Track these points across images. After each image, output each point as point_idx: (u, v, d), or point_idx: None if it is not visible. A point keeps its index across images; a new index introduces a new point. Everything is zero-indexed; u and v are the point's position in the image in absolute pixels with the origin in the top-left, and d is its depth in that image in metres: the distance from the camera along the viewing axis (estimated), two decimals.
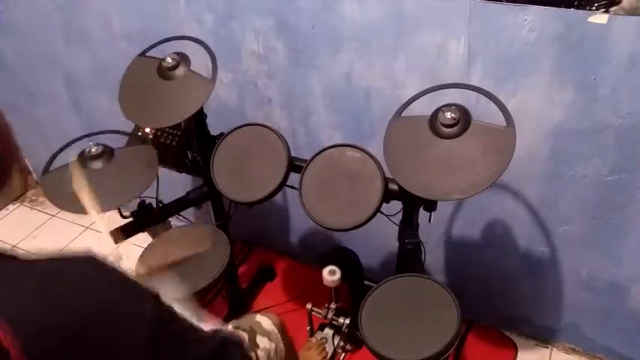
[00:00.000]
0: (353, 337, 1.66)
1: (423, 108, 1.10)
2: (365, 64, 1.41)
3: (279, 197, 1.92)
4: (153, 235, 1.42)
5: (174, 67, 1.27)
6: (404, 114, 1.13)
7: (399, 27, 1.30)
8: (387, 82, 1.40)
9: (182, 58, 1.28)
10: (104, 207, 1.18)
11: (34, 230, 2.38)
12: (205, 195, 1.52)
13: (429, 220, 1.25)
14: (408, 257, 1.30)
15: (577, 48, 1.13)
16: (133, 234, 1.40)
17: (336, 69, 1.46)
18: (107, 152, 1.29)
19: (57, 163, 1.32)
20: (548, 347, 1.73)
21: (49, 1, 1.81)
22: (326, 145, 1.24)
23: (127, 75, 1.33)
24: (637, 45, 1.08)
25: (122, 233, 1.37)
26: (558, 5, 1.09)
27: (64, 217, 2.42)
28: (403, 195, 1.18)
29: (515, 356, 1.70)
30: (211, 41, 1.32)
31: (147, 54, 1.35)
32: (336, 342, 1.66)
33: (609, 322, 1.57)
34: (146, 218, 1.42)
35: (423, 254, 1.30)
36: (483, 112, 1.11)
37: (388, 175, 1.15)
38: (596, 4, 1.06)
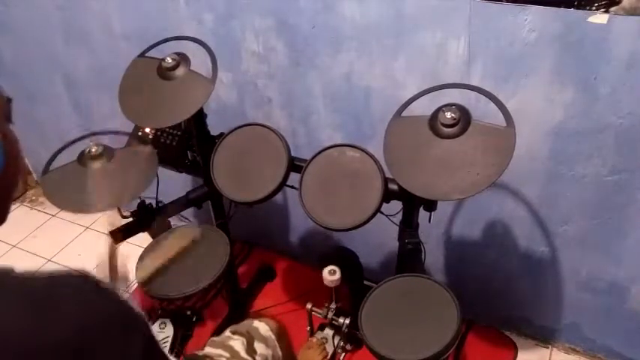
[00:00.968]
0: (353, 337, 1.66)
1: (423, 108, 1.10)
2: (365, 64, 1.41)
3: (279, 197, 1.92)
4: (153, 235, 1.42)
5: (174, 67, 1.26)
6: (404, 114, 1.13)
7: (399, 27, 1.30)
8: (387, 82, 1.40)
9: (182, 58, 1.28)
10: (104, 207, 1.19)
11: (34, 230, 2.38)
12: (205, 195, 1.52)
13: (429, 220, 1.25)
14: (408, 257, 1.30)
15: (577, 48, 1.13)
16: (133, 234, 1.40)
17: (336, 69, 1.46)
18: (107, 152, 1.29)
19: (57, 163, 1.32)
20: (548, 347, 1.73)
21: (49, 1, 1.80)
22: (326, 145, 1.24)
23: (127, 75, 1.33)
24: (637, 45, 1.08)
25: (122, 233, 1.37)
26: (558, 5, 1.09)
27: (64, 217, 2.42)
28: (403, 195, 1.18)
29: (515, 356, 1.70)
30: (211, 41, 1.32)
31: (147, 54, 1.35)
32: (336, 342, 1.66)
33: (609, 322, 1.57)
34: (146, 218, 1.42)
35: (423, 254, 1.30)
36: (483, 112, 1.11)
37: (388, 175, 1.15)
38: (596, 4, 1.06)
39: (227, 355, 1.07)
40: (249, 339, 1.13)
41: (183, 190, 1.54)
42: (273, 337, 1.18)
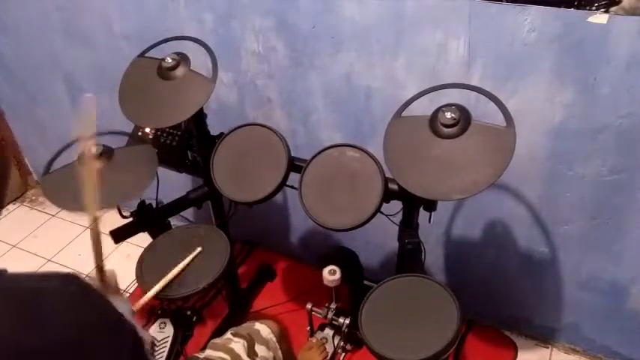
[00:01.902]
0: (353, 337, 1.66)
1: (423, 108, 1.10)
2: (365, 64, 1.41)
3: (279, 197, 1.92)
4: (153, 236, 1.42)
5: (174, 67, 1.27)
6: (404, 114, 1.13)
7: (399, 27, 1.30)
8: (387, 82, 1.40)
9: (182, 58, 1.28)
10: (104, 207, 1.18)
11: (34, 230, 2.38)
12: (205, 195, 1.52)
13: (429, 220, 1.25)
14: (408, 257, 1.30)
15: (577, 48, 1.13)
16: (133, 234, 1.40)
17: (336, 69, 1.46)
18: (107, 152, 1.29)
19: (57, 163, 1.32)
20: (548, 347, 1.73)
21: (49, 1, 1.81)
22: (326, 145, 1.24)
23: (127, 75, 1.33)
24: (637, 45, 1.08)
25: (122, 233, 1.37)
26: (558, 5, 1.09)
27: (64, 217, 2.42)
28: (403, 195, 1.18)
29: (515, 356, 1.70)
30: (211, 41, 1.32)
31: (147, 54, 1.35)
32: (336, 342, 1.66)
33: (609, 322, 1.57)
34: (146, 218, 1.42)
35: (423, 254, 1.30)
36: (483, 112, 1.11)
37: (388, 175, 1.15)
38: (596, 4, 1.06)
39: (228, 357, 1.07)
40: (250, 341, 1.13)
41: (184, 190, 1.54)
42: (274, 339, 1.18)
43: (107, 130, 1.35)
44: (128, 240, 1.39)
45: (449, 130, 1.05)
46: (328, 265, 1.48)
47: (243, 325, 1.22)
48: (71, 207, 1.23)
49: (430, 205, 1.24)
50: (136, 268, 1.28)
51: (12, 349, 0.45)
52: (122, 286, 0.94)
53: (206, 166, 1.35)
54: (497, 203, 1.49)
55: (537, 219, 1.46)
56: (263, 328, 1.19)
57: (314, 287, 1.73)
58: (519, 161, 1.23)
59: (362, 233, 1.25)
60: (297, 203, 1.22)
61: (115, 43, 1.77)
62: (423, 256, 1.30)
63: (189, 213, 1.61)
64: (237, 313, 1.84)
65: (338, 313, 1.59)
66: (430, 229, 1.60)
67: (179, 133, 1.49)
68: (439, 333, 1.02)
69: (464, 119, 1.04)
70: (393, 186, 1.17)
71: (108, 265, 0.88)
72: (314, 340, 1.65)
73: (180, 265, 1.20)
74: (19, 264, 2.16)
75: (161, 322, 1.42)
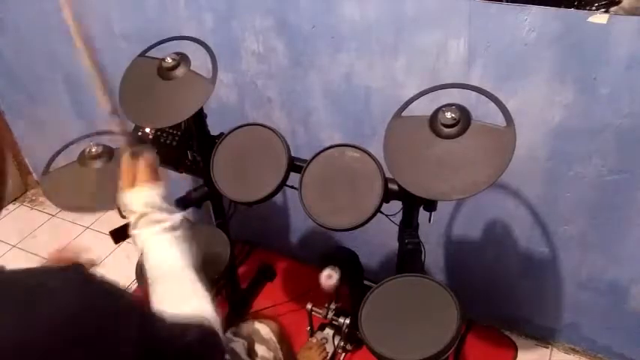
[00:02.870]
0: (353, 337, 1.66)
1: (423, 108, 1.10)
2: (365, 64, 1.41)
3: (279, 197, 1.92)
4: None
5: (174, 67, 1.27)
6: (404, 114, 1.13)
7: (399, 27, 1.30)
8: (387, 82, 1.40)
9: (182, 58, 1.28)
10: (104, 207, 1.18)
11: (34, 230, 2.38)
12: (205, 195, 1.52)
13: (429, 220, 1.25)
14: (408, 257, 1.30)
15: (577, 48, 1.13)
16: None
17: (336, 69, 1.46)
18: (107, 152, 1.29)
19: (57, 163, 1.32)
20: (548, 347, 1.73)
21: (49, 1, 1.80)
22: (326, 145, 1.24)
23: (127, 75, 1.33)
24: (637, 45, 1.08)
25: (122, 233, 1.37)
26: (558, 5, 1.09)
27: (64, 217, 2.42)
28: (403, 195, 1.18)
29: (515, 356, 1.70)
30: (211, 41, 1.32)
31: (147, 54, 1.35)
32: (336, 342, 1.66)
33: (609, 322, 1.57)
34: None
35: (423, 254, 1.30)
36: (483, 112, 1.11)
37: (388, 175, 1.15)
38: (596, 4, 1.06)
39: (228, 358, 1.07)
40: (250, 341, 1.13)
41: (184, 190, 1.54)
42: (274, 339, 1.18)
43: (107, 130, 1.35)
44: (128, 240, 1.39)
45: (449, 130, 1.05)
46: (328, 264, 1.48)
47: (243, 324, 1.22)
48: (71, 207, 1.24)
49: (430, 205, 1.24)
50: (136, 268, 1.28)
51: (10, 347, 0.45)
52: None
53: (206, 166, 1.34)
54: (497, 203, 1.49)
55: (537, 219, 1.46)
56: (263, 328, 1.19)
57: (314, 287, 1.73)
58: (519, 161, 1.23)
59: (362, 233, 1.25)
60: (297, 203, 1.22)
61: (115, 43, 1.77)
62: (423, 256, 1.30)
63: (189, 213, 1.61)
64: (237, 313, 1.84)
65: (338, 313, 1.59)
66: (430, 229, 1.60)
67: (179, 133, 1.49)
68: (439, 333, 1.02)
69: (464, 119, 1.04)
70: (393, 186, 1.17)
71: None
72: (314, 340, 1.65)
73: None
74: (19, 264, 2.16)
75: None
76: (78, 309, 0.50)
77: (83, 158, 1.28)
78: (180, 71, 1.27)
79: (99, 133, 1.36)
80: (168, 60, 1.27)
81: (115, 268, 0.91)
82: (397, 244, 1.34)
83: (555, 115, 1.25)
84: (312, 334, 1.68)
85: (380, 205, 1.16)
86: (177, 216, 0.85)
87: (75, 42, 0.82)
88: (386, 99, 1.43)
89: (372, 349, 1.04)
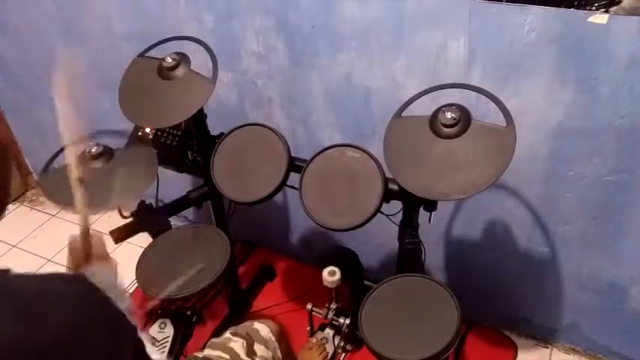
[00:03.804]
0: (353, 337, 1.66)
1: (423, 108, 1.10)
2: (365, 64, 1.41)
3: (279, 197, 1.92)
4: (153, 235, 1.42)
5: (174, 67, 1.27)
6: (404, 114, 1.13)
7: (399, 27, 1.30)
8: (387, 82, 1.40)
9: (182, 58, 1.28)
10: (104, 207, 1.18)
11: (34, 230, 2.38)
12: (205, 195, 1.52)
13: (429, 220, 1.25)
14: (408, 257, 1.30)
15: (577, 48, 1.13)
16: (133, 234, 1.40)
17: (336, 69, 1.46)
18: (107, 152, 1.29)
19: (57, 163, 1.32)
20: (548, 347, 1.73)
21: (49, 1, 1.81)
22: (326, 145, 1.24)
23: (127, 75, 1.33)
24: (637, 45, 1.08)
25: (122, 233, 1.37)
26: (558, 5, 1.09)
27: (64, 217, 2.42)
28: (403, 195, 1.18)
29: (515, 356, 1.70)
30: (211, 41, 1.32)
31: (147, 54, 1.35)
32: (336, 342, 1.66)
33: (609, 322, 1.57)
34: (146, 218, 1.42)
35: (423, 254, 1.30)
36: (483, 112, 1.11)
37: (388, 175, 1.15)
38: (596, 4, 1.06)
39: (227, 357, 1.07)
40: (250, 341, 1.13)
41: (184, 190, 1.54)
42: (273, 338, 1.18)
43: (107, 130, 1.35)
44: (128, 240, 1.39)
45: (449, 130, 1.05)
46: (328, 265, 1.48)
47: (242, 324, 1.22)
48: (71, 207, 1.23)
49: (430, 205, 1.23)
50: (136, 268, 1.28)
51: (10, 350, 0.45)
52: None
53: (206, 166, 1.35)
54: (498, 203, 1.49)
55: (537, 219, 1.46)
56: (262, 328, 1.19)
57: (314, 287, 1.73)
58: (519, 161, 1.23)
59: (362, 233, 1.25)
60: (297, 203, 1.22)
61: (115, 43, 1.77)
62: (423, 256, 1.30)
63: (189, 213, 1.61)
64: (237, 313, 1.84)
65: (338, 313, 1.59)
66: (430, 229, 1.60)
67: (179, 133, 1.49)
68: (439, 333, 1.02)
69: (464, 119, 1.04)
70: (393, 186, 1.17)
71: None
72: (314, 340, 1.65)
73: (180, 281, 1.19)
74: (19, 264, 2.15)
75: (161, 322, 1.42)
76: (80, 320, 0.50)
77: (83, 158, 1.28)
78: (180, 71, 1.27)
79: (99, 133, 1.36)
80: (169, 60, 1.27)
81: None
82: (397, 244, 1.34)
83: (555, 115, 1.25)
84: (312, 334, 1.68)
85: (380, 205, 1.16)
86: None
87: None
88: (386, 99, 1.43)
89: (372, 349, 1.04)
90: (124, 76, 1.33)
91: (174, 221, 1.53)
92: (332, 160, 1.24)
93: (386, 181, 1.17)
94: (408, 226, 1.30)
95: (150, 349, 0.67)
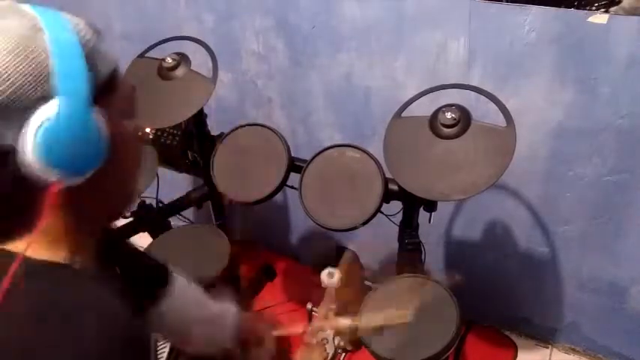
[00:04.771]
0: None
1: (423, 108, 1.10)
2: (365, 64, 1.41)
3: (279, 197, 1.92)
4: (153, 236, 1.42)
5: (174, 67, 1.27)
6: (404, 114, 1.13)
7: (399, 27, 1.30)
8: (387, 82, 1.40)
9: (182, 58, 1.28)
10: None
11: None
12: (205, 195, 1.52)
13: (429, 221, 1.25)
14: (408, 257, 1.30)
15: (577, 48, 1.13)
16: (133, 234, 1.40)
17: (336, 69, 1.46)
18: None
19: None
20: (548, 347, 1.73)
21: (49, 1, 1.80)
22: (326, 145, 1.24)
23: (127, 75, 1.33)
24: (637, 45, 1.08)
25: (122, 233, 1.37)
26: (558, 5, 1.09)
27: None
28: (403, 195, 1.18)
29: (515, 356, 1.70)
30: (211, 41, 1.32)
31: (147, 54, 1.35)
32: (336, 342, 1.66)
33: (609, 322, 1.57)
34: (146, 218, 1.42)
35: (423, 254, 1.30)
36: (483, 112, 1.11)
37: (388, 175, 1.15)
38: (596, 4, 1.06)
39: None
40: None
41: (184, 190, 1.54)
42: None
43: None
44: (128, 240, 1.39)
45: (449, 130, 1.05)
46: (328, 264, 1.48)
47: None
48: None
49: (430, 206, 1.23)
50: None
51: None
52: None
53: (206, 166, 1.35)
54: (498, 203, 1.49)
55: (537, 219, 1.46)
56: None
57: (314, 287, 1.73)
58: (519, 161, 1.23)
59: (362, 233, 1.25)
60: (297, 203, 1.22)
61: (115, 43, 1.77)
62: (423, 256, 1.30)
63: (189, 213, 1.61)
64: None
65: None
66: (430, 229, 1.60)
67: (179, 133, 1.49)
68: (439, 333, 1.02)
69: (464, 119, 1.04)
70: (393, 186, 1.16)
71: None
72: (314, 340, 1.64)
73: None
74: None
75: None
76: (64, 305, 0.51)
77: None
78: (180, 71, 1.27)
79: None
80: (169, 60, 1.27)
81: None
82: (397, 244, 1.34)
83: (555, 115, 1.25)
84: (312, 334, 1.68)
85: (380, 206, 1.16)
86: None
87: None
88: (386, 99, 1.43)
89: (372, 350, 1.04)
90: (123, 76, 1.33)
91: (174, 221, 1.53)
92: (332, 161, 1.24)
93: (386, 181, 1.17)
94: (408, 227, 1.30)
95: None
